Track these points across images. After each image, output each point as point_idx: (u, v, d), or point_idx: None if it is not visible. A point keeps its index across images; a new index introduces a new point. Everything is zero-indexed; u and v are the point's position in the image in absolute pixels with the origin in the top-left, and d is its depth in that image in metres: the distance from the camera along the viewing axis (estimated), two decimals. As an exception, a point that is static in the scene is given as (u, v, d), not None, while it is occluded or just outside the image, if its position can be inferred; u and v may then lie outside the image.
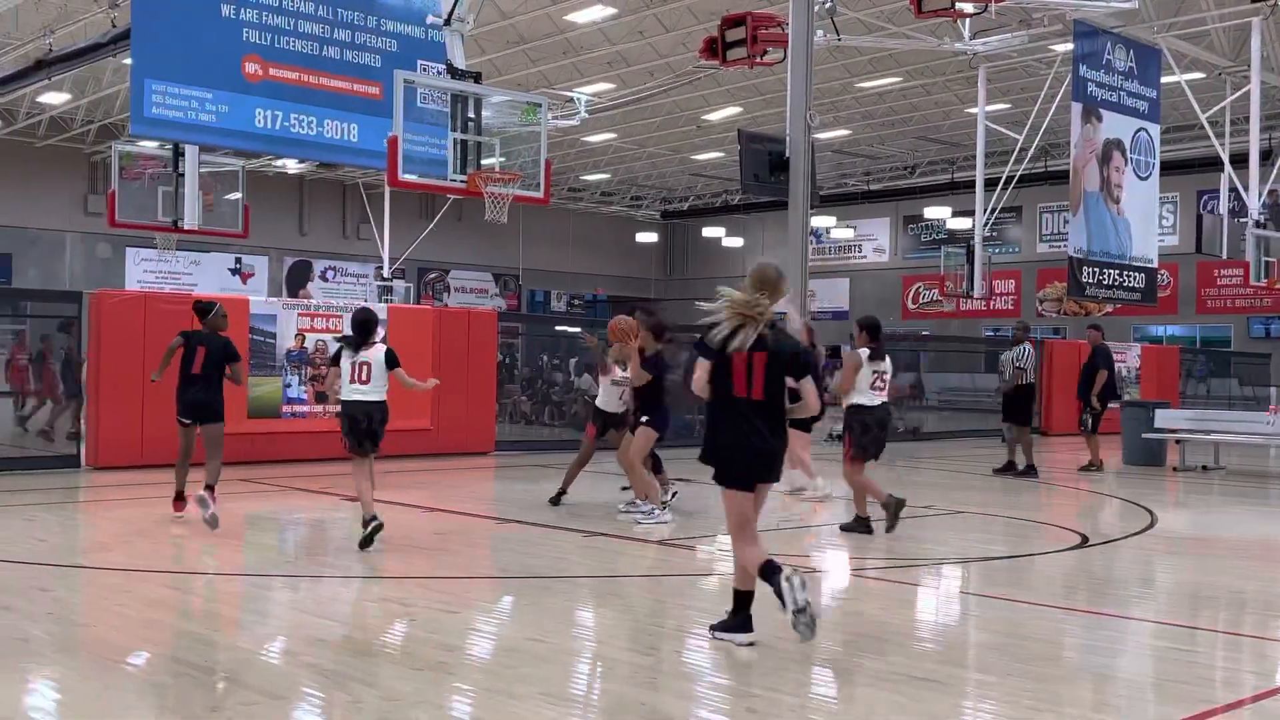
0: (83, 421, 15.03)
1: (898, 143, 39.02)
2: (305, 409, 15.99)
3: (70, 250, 37.15)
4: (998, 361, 17.23)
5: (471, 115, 13.36)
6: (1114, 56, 21.17)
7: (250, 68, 13.87)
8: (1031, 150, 24.76)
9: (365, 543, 8.97)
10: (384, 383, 9.52)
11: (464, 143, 13.26)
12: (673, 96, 30.95)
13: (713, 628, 6.40)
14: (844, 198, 43.32)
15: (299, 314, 16.24)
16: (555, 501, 11.72)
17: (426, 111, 13.71)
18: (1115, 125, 21.23)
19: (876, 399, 10.32)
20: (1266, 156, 25.08)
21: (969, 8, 19.28)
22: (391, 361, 9.58)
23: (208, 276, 37.80)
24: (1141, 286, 22.01)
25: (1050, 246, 39.72)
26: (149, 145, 20.18)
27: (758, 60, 20.16)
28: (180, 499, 10.49)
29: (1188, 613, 7.76)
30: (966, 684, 5.82)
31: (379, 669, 5.90)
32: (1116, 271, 21.32)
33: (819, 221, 39.78)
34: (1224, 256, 24.36)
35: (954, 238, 37.15)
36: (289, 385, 15.70)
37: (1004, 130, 25.78)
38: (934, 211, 40.13)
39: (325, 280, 41.52)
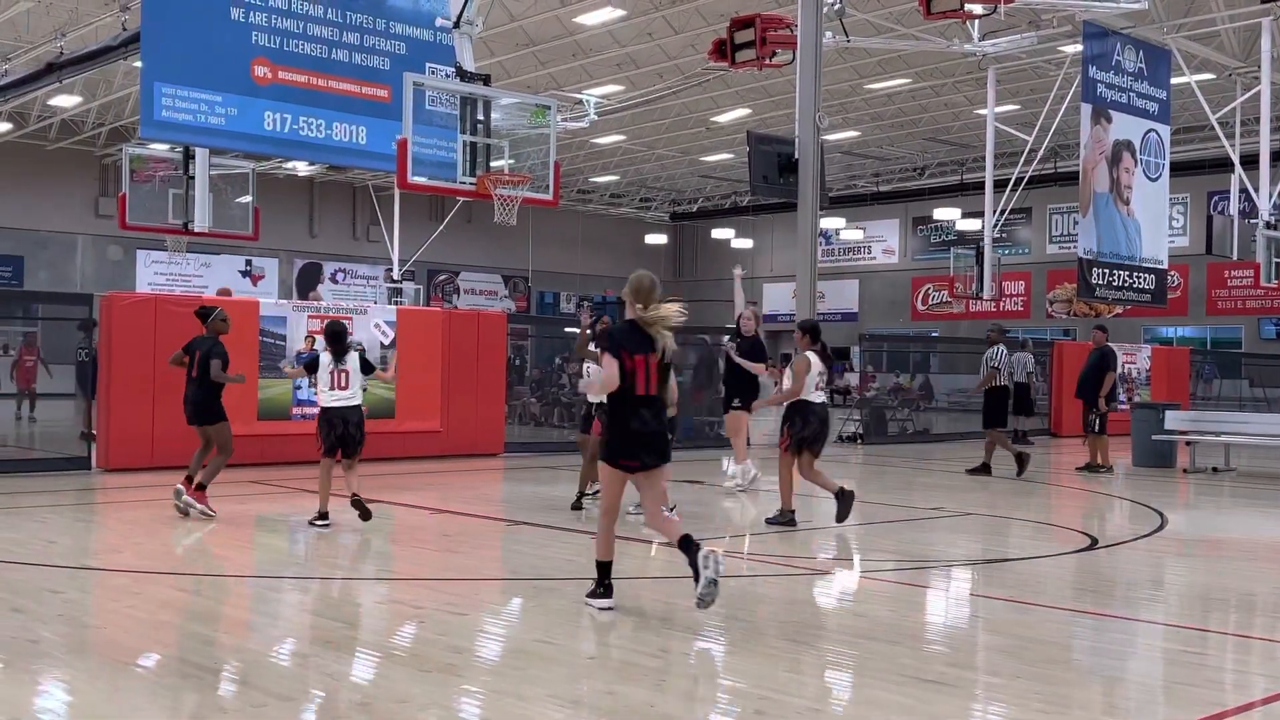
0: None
1: (907, 144, 38.99)
2: (315, 411, 15.99)
3: (81, 253, 37.27)
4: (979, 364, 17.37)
5: (481, 117, 13.40)
6: (1123, 57, 21.13)
7: (259, 71, 13.91)
8: (1041, 151, 24.73)
9: (310, 524, 9.99)
10: (360, 388, 10.33)
11: (473, 145, 13.29)
12: (682, 98, 30.97)
13: (587, 596, 7.23)
14: (853, 199, 43.29)
15: (309, 316, 16.27)
16: (577, 506, 11.54)
17: (435, 114, 13.74)
18: (1125, 126, 21.20)
19: (819, 396, 10.74)
20: (1277, 157, 25.02)
21: (978, 9, 19.27)
22: (367, 368, 10.58)
23: (218, 279, 37.89)
24: (1151, 288, 21.96)
25: (1060, 248, 39.65)
26: (160, 148, 20.24)
27: (767, 62, 20.19)
28: (188, 482, 10.71)
29: (1198, 615, 7.74)
30: (975, 686, 5.81)
31: (387, 671, 5.91)
32: (1126, 273, 21.27)
33: (828, 223, 39.77)
34: (1235, 258, 24.31)
35: (963, 239, 37.10)
36: (299, 387, 15.72)
37: (1013, 131, 25.76)
38: (943, 213, 40.09)
39: (335, 282, 41.62)
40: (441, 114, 13.74)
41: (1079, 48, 21.39)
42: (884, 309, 44.82)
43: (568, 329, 28.53)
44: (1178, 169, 25.65)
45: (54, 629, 6.54)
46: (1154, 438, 18.11)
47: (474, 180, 13.30)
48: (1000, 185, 24.57)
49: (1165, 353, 29.47)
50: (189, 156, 19.80)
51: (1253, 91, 23.08)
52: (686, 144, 38.47)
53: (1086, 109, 20.56)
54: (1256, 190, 23.04)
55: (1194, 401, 27.98)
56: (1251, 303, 35.93)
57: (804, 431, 10.61)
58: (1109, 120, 20.90)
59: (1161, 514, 12.41)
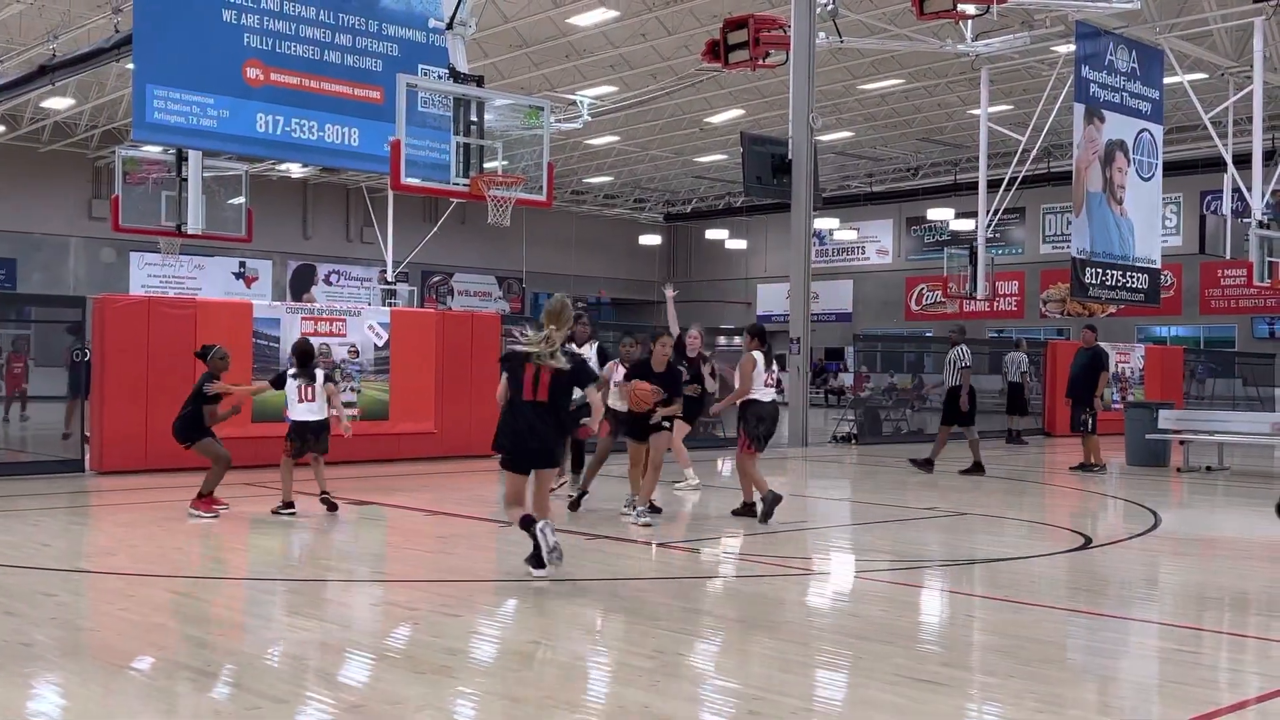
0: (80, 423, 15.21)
1: (900, 144, 39.04)
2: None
3: (74, 255, 37.22)
4: (943, 364, 17.50)
5: (474, 119, 13.38)
6: (1116, 57, 21.18)
7: (251, 73, 13.89)
8: (1034, 151, 24.80)
9: (275, 513, 10.83)
10: (324, 401, 11.20)
11: (466, 146, 13.27)
12: (675, 99, 30.99)
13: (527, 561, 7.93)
14: (847, 199, 43.34)
15: (302, 318, 16.25)
16: (575, 506, 11.47)
17: (429, 115, 13.73)
18: (1118, 126, 21.25)
19: (768, 394, 11.28)
20: (1270, 157, 25.09)
21: (971, 9, 19.32)
22: (328, 379, 11.41)
23: (212, 281, 37.87)
24: (1145, 287, 22.02)
25: (1053, 247, 39.72)
26: (152, 150, 20.21)
27: (760, 63, 20.21)
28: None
29: (1192, 614, 7.75)
30: (970, 685, 5.81)
31: (382, 673, 5.90)
32: (1120, 272, 21.32)
33: (822, 223, 39.82)
34: (1227, 257, 24.39)
35: (957, 239, 37.15)
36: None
37: (1006, 131, 25.81)
38: (937, 213, 40.15)
39: (329, 284, 41.60)
40: (435, 115, 13.73)
41: (1072, 48, 21.45)
42: (878, 309, 44.88)
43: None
44: (1170, 169, 25.72)
45: (47, 632, 6.53)
46: (1148, 437, 18.14)
47: (467, 182, 13.28)
48: (994, 185, 24.61)
49: (1159, 352, 29.51)
50: (181, 158, 19.75)
51: (1245, 91, 23.13)
52: (680, 145, 38.50)
53: (1079, 109, 20.61)
54: (1249, 190, 23.09)
55: (1187, 401, 28.02)
56: (1244, 302, 36.01)
57: (758, 429, 11.17)
58: (1102, 120, 20.95)
59: (1155, 513, 12.43)
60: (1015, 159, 24.27)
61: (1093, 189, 20.78)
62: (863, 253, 46.17)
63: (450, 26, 13.91)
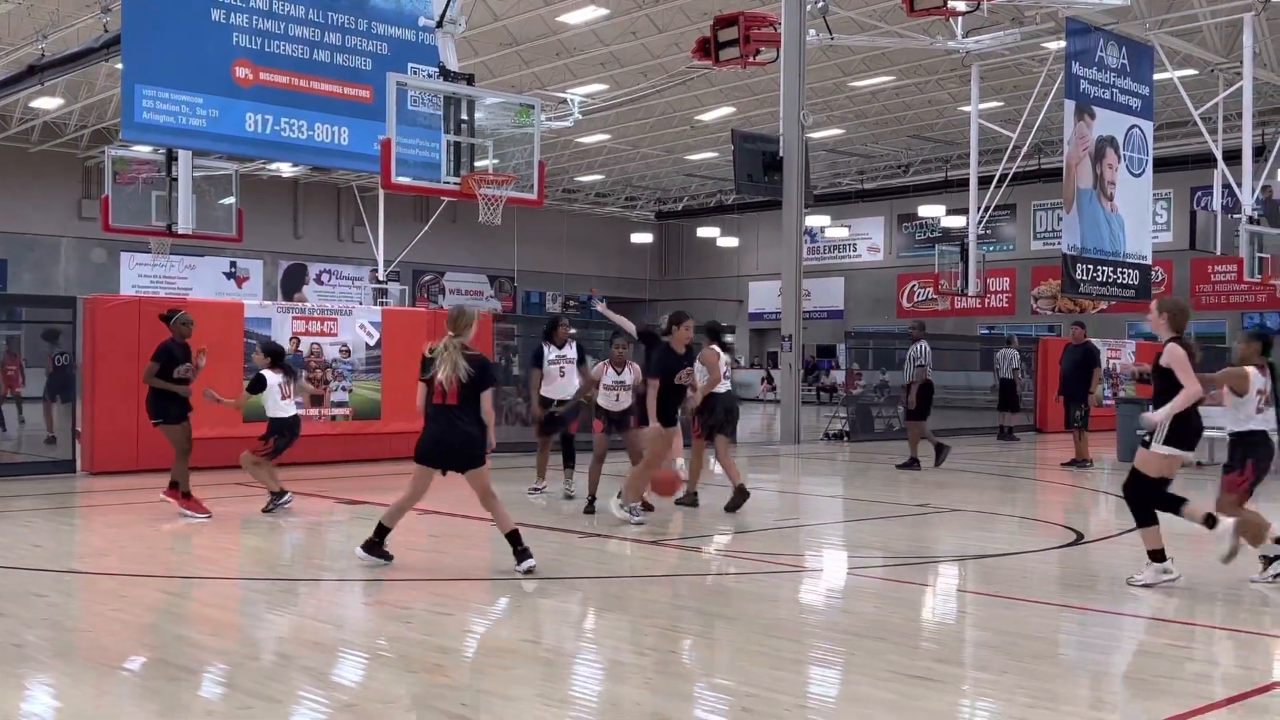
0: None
1: (891, 141, 39.06)
2: (300, 412, 15.94)
3: (65, 255, 37.11)
4: (906, 361, 17.61)
5: (464, 117, 13.35)
6: (1106, 54, 21.20)
7: (240, 72, 13.84)
8: (1025, 148, 24.81)
9: (271, 511, 10.97)
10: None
11: (457, 145, 13.25)
12: (666, 97, 30.98)
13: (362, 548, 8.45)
14: (838, 197, 43.35)
15: (293, 317, 16.23)
16: (589, 509, 11.38)
17: (419, 114, 13.69)
18: (1108, 122, 21.28)
19: (724, 386, 11.93)
20: (1259, 152, 25.15)
21: (961, 5, 19.34)
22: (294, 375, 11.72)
23: (203, 281, 37.79)
24: (1135, 283, 22.06)
25: (1044, 244, 39.76)
26: (142, 150, 20.13)
27: (750, 60, 20.20)
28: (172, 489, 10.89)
29: (1183, 609, 7.76)
30: (963, 681, 5.82)
31: (374, 671, 5.89)
32: (1110, 268, 21.36)
33: (813, 221, 39.80)
34: (1218, 253, 24.44)
35: (948, 236, 37.17)
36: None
37: (997, 128, 25.84)
38: (928, 210, 40.17)
39: (320, 283, 41.52)
40: (425, 114, 13.70)
41: (1062, 44, 21.47)
42: (869, 306, 44.90)
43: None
44: (1161, 165, 25.76)
45: (39, 633, 6.51)
46: (1139, 433, 18.14)
47: (458, 180, 13.25)
48: (984, 182, 24.63)
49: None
50: (171, 158, 19.68)
51: (1235, 87, 23.19)
52: (671, 143, 38.49)
53: (1070, 105, 20.64)
54: (1239, 185, 23.14)
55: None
56: (1235, 298, 36.09)
57: (711, 420, 11.80)
58: (1092, 116, 20.98)
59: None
60: (1006, 155, 24.28)
61: (1083, 185, 20.81)
62: (854, 250, 46.19)
63: (440, 25, 13.89)
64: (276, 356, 11.44)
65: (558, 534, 10.29)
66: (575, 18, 25.76)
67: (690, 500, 11.83)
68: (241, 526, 10.76)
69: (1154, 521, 8.07)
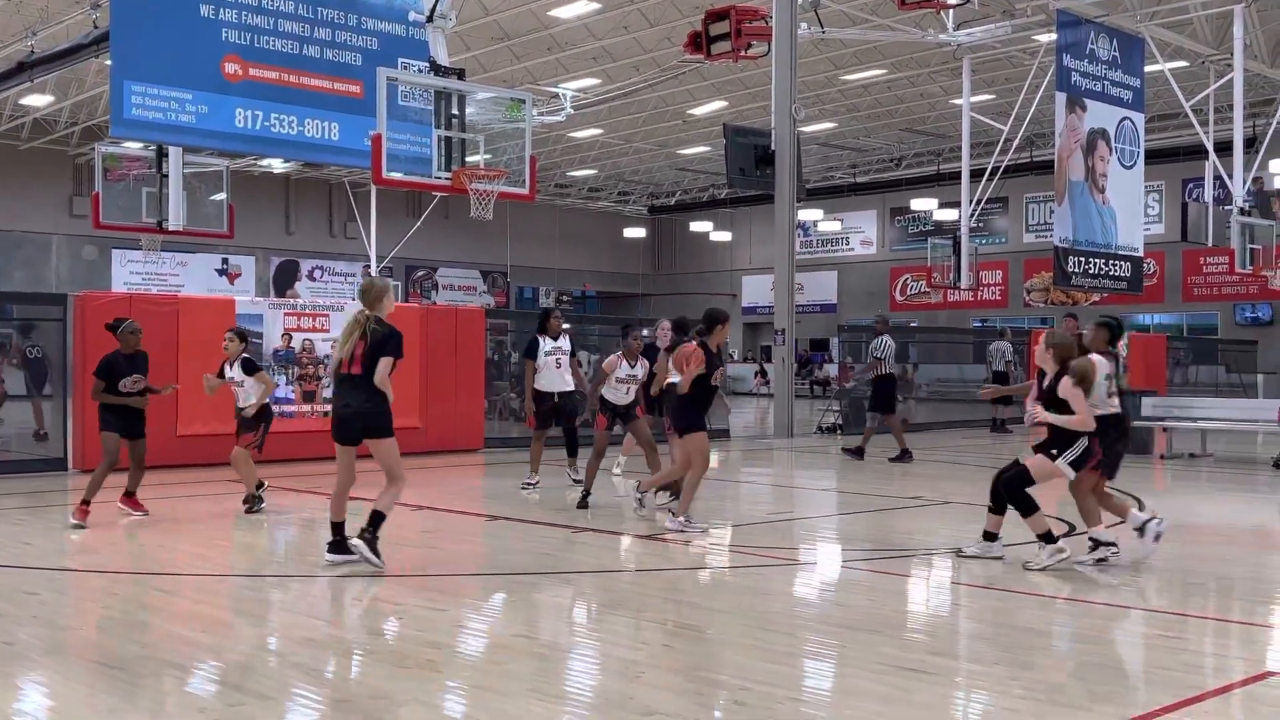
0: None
1: (883, 135, 39.06)
2: (293, 409, 15.94)
3: (56, 253, 37.02)
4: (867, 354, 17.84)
5: (455, 112, 13.33)
6: (1097, 46, 21.20)
7: (230, 68, 13.81)
8: (1017, 141, 24.83)
9: (255, 507, 10.80)
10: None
11: (448, 140, 13.23)
12: (658, 91, 30.94)
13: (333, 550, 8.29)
14: (830, 190, 43.35)
15: (285, 314, 16.19)
16: (583, 504, 11.25)
17: (410, 109, 13.68)
18: (1099, 115, 21.28)
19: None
20: (1250, 144, 25.16)
21: (952, -1, 19.31)
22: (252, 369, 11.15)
23: (195, 277, 37.69)
24: (1127, 275, 22.07)
25: (1037, 236, 39.79)
26: (133, 146, 20.08)
27: (742, 54, 20.16)
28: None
29: (1176, 600, 7.78)
30: (956, 674, 5.82)
31: (367, 668, 5.88)
32: (1102, 261, 21.37)
33: (806, 215, 39.83)
34: (1209, 244, 24.43)
35: (941, 229, 37.17)
36: (276, 385, 15.62)
37: (989, 121, 25.83)
38: (920, 203, 40.19)
39: (313, 279, 41.43)
40: (415, 109, 13.68)
41: (1053, 37, 21.47)
42: (862, 300, 44.92)
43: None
44: (1152, 157, 25.78)
45: (30, 631, 6.49)
46: (1131, 424, 18.17)
47: (449, 175, 13.23)
48: (977, 175, 24.64)
49: (1142, 340, 29.57)
50: (162, 155, 19.63)
51: (1226, 79, 23.20)
52: (663, 137, 38.45)
53: (1061, 98, 20.63)
54: (1230, 177, 23.16)
55: (1171, 388, 28.10)
56: (1227, 289, 36.14)
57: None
58: (1083, 109, 20.98)
59: (1139, 500, 12.46)
60: (998, 148, 24.29)
61: (1075, 178, 20.81)
62: (847, 244, 46.20)
63: (430, 19, 13.86)
64: (245, 339, 11.17)
65: (550, 529, 10.28)
66: (566, 12, 25.72)
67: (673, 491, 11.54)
68: (233, 524, 10.74)
69: (1036, 509, 8.53)
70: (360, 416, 8.17)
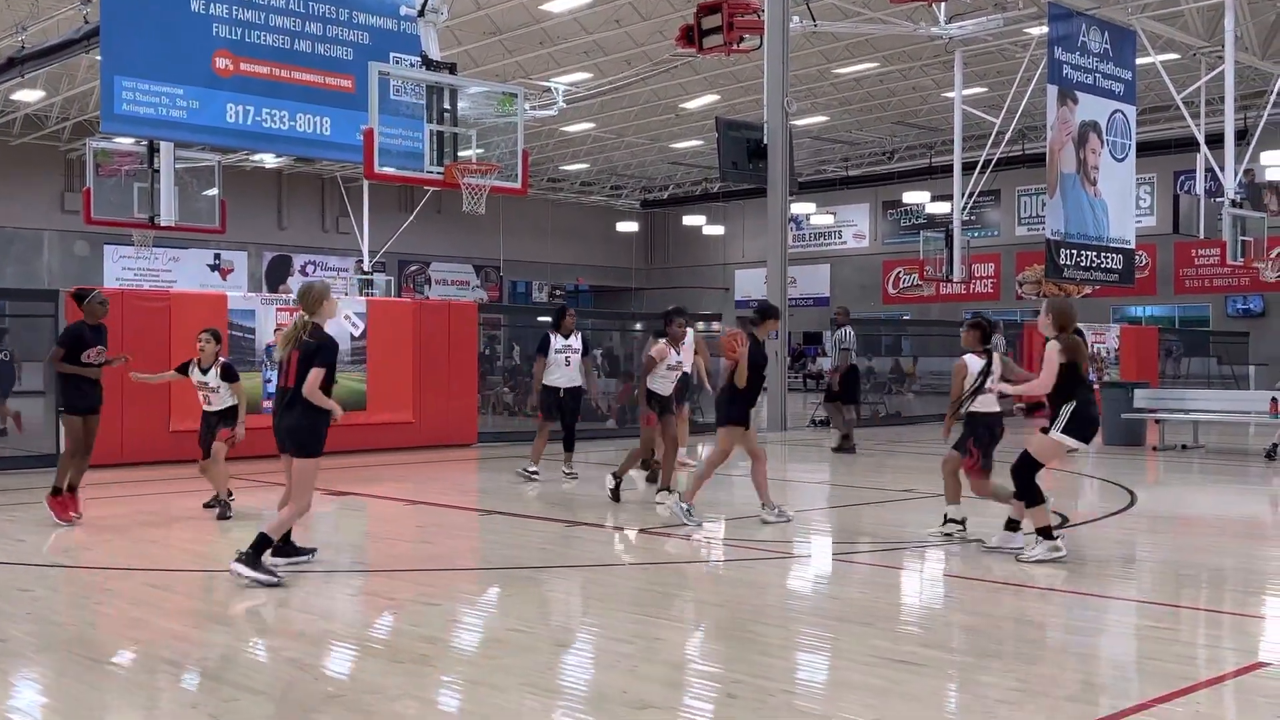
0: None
1: (876, 128, 39.06)
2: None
3: (48, 248, 36.93)
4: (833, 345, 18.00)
5: (447, 107, 13.32)
6: (1089, 38, 21.20)
7: (221, 63, 13.78)
8: (1009, 133, 24.81)
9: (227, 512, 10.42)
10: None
11: (440, 134, 13.22)
12: (650, 85, 30.91)
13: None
14: (823, 184, 43.35)
15: (277, 309, 16.17)
16: (615, 496, 11.26)
17: (401, 104, 13.66)
18: (1091, 107, 21.28)
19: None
20: (1242, 136, 25.19)
21: (944, -8, 19.30)
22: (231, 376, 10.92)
23: (187, 273, 37.63)
24: (1119, 267, 22.09)
25: (1029, 229, 39.82)
26: (124, 142, 20.04)
27: (734, 47, 20.13)
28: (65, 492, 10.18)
29: (1169, 591, 7.80)
30: (949, 666, 5.83)
31: (361, 662, 5.89)
32: (1094, 253, 21.39)
33: (798, 208, 39.79)
34: (1201, 236, 24.47)
35: (933, 222, 37.21)
36: (269, 380, 15.61)
37: (981, 114, 25.84)
38: (913, 196, 40.20)
39: (305, 274, 41.35)
40: (407, 104, 13.66)
41: (1044, 29, 21.46)
42: (855, 293, 44.90)
43: (540, 318, 28.42)
44: (1144, 149, 25.79)
45: (23, 627, 6.49)
46: (1124, 416, 18.23)
47: (442, 170, 13.23)
48: (969, 168, 24.65)
49: (1134, 332, 29.66)
50: (153, 150, 19.60)
51: (1217, 71, 23.21)
52: (656, 131, 38.42)
53: (1053, 90, 20.64)
54: (1222, 169, 23.19)
55: (1163, 380, 28.18)
56: (1218, 281, 36.19)
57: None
58: (1075, 101, 20.98)
59: (1131, 491, 12.50)
60: (990, 141, 24.29)
61: (1067, 170, 20.82)
62: (839, 237, 46.21)
63: (422, 14, 13.85)
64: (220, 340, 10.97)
65: (544, 523, 10.29)
66: (558, 6, 25.68)
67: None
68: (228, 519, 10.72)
69: (1042, 500, 8.44)
70: (288, 432, 7.78)
